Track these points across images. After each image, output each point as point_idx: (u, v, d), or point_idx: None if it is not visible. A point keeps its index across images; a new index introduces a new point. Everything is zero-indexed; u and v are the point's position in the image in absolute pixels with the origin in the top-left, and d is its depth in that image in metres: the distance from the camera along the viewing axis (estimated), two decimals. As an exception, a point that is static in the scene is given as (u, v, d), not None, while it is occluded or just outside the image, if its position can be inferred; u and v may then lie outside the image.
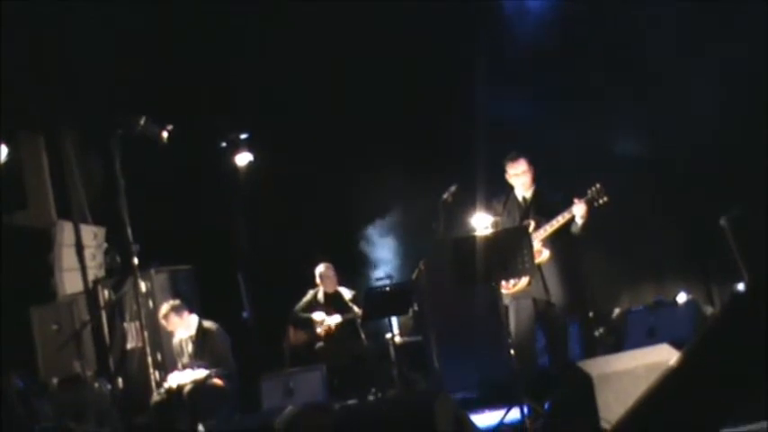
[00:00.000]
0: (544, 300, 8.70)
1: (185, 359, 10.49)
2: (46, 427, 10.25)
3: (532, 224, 8.66)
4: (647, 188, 11.53)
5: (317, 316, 11.57)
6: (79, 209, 12.29)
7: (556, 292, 8.70)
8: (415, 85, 12.16)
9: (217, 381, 10.16)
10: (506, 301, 8.78)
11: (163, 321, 10.64)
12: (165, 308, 10.62)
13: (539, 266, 8.62)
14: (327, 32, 12.15)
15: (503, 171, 8.99)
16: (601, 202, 8.45)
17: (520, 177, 8.91)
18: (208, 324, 10.57)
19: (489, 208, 9.17)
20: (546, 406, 7.87)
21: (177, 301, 10.75)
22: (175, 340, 10.65)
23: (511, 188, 9.04)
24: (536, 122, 11.55)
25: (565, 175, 11.25)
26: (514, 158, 8.92)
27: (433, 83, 12.13)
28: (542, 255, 8.65)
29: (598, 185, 8.45)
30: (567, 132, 11.49)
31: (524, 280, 8.62)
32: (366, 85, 12.32)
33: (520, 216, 8.89)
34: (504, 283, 8.56)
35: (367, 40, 12.07)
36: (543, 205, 8.85)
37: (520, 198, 8.98)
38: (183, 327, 10.55)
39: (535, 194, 8.95)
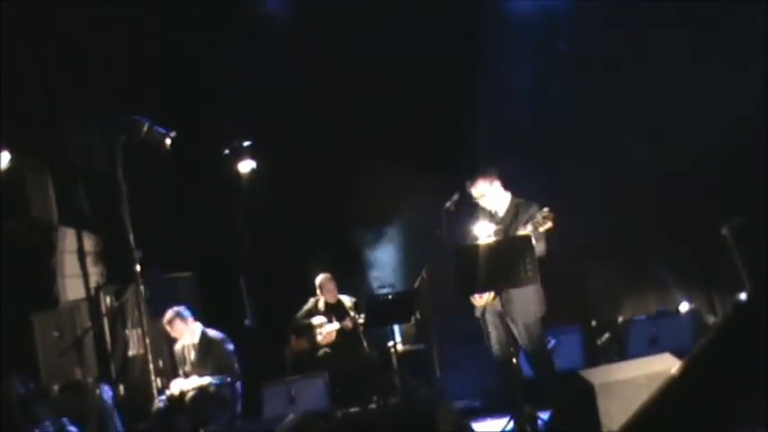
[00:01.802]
0: (512, 317, 8.65)
1: (187, 367, 10.46)
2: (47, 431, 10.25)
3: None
4: (650, 197, 11.53)
5: (317, 320, 11.59)
6: (81, 215, 12.30)
7: (522, 310, 8.61)
8: (417, 93, 12.15)
9: (219, 388, 10.14)
10: (478, 313, 8.81)
11: (167, 327, 10.61)
12: (169, 314, 10.60)
13: None
14: (329, 40, 12.18)
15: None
16: (545, 227, 8.31)
17: (483, 199, 8.89)
18: (212, 334, 10.55)
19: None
20: (548, 415, 7.87)
21: (181, 307, 10.74)
22: (177, 347, 10.62)
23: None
24: (538, 127, 11.56)
25: (567, 181, 11.27)
26: (473, 182, 8.86)
27: (435, 88, 12.13)
28: None
29: (545, 210, 8.30)
30: (570, 137, 11.49)
31: (491, 294, 8.60)
32: (367, 94, 12.33)
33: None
34: (476, 296, 8.61)
35: (368, 47, 12.10)
36: (512, 221, 8.79)
37: (492, 211, 8.94)
38: (188, 333, 10.52)
39: (509, 208, 8.89)
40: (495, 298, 8.58)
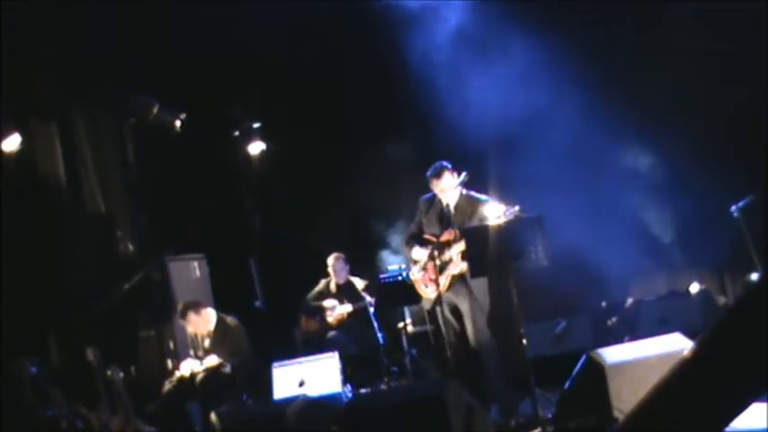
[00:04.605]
0: (465, 309, 8.70)
1: (200, 352, 10.46)
2: (58, 413, 10.27)
3: (455, 233, 8.67)
4: (659, 176, 11.51)
5: (328, 303, 11.60)
6: (92, 197, 12.32)
7: (478, 303, 8.66)
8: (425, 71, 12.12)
9: (229, 369, 10.15)
10: (426, 305, 8.87)
11: (181, 321, 10.59)
12: (181, 309, 10.55)
13: (461, 277, 8.74)
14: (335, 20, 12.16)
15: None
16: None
17: (445, 192, 8.96)
18: (229, 320, 10.53)
19: (417, 210, 9.19)
20: (559, 396, 7.88)
21: (192, 300, 10.72)
22: (190, 329, 10.61)
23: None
24: (542, 110, 11.51)
25: (568, 159, 11.24)
26: (436, 175, 8.96)
27: (441, 70, 12.09)
28: (458, 267, 8.69)
29: (517, 209, 8.35)
30: (573, 115, 11.45)
31: (448, 281, 8.64)
32: (376, 73, 12.30)
33: (442, 222, 8.92)
34: (433, 287, 8.67)
35: (378, 29, 12.07)
36: (466, 214, 8.82)
37: (444, 204, 8.98)
38: (203, 324, 10.48)
39: (459, 202, 8.93)
40: (448, 289, 8.67)
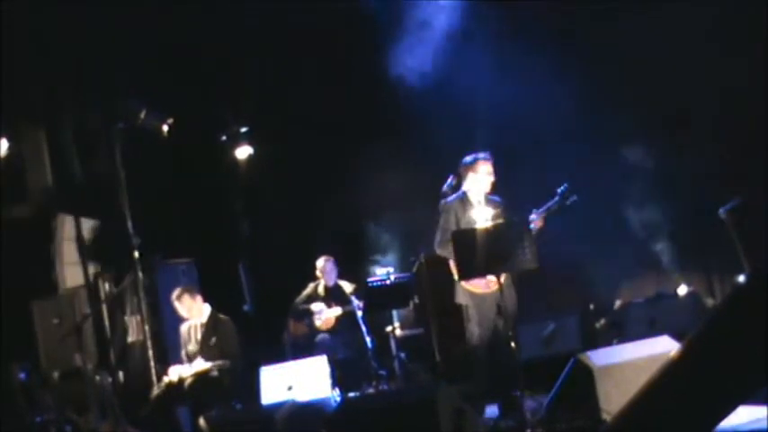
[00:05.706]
0: (507, 304, 8.70)
1: (192, 346, 10.42)
2: (48, 419, 10.26)
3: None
4: (648, 179, 11.53)
5: (316, 307, 11.59)
6: (80, 202, 12.30)
7: (510, 296, 8.68)
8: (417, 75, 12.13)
9: (218, 373, 10.14)
10: (463, 300, 8.83)
11: (176, 303, 10.52)
12: (178, 290, 10.55)
13: None
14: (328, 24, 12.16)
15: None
16: (572, 200, 8.46)
17: (490, 177, 8.92)
18: (221, 316, 10.53)
19: (447, 212, 9.10)
20: (546, 398, 7.88)
21: (190, 285, 10.72)
22: (184, 327, 10.56)
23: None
24: (534, 111, 11.53)
25: (557, 162, 11.26)
26: (487, 158, 8.94)
27: (433, 72, 12.10)
28: None
29: (566, 185, 8.50)
30: (564, 121, 11.47)
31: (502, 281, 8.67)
32: (366, 77, 12.30)
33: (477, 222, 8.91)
34: (484, 281, 8.63)
35: (368, 32, 12.08)
36: (496, 211, 8.84)
37: (475, 202, 8.96)
38: (196, 310, 10.45)
39: (486, 203, 8.96)
40: (500, 288, 8.64)
